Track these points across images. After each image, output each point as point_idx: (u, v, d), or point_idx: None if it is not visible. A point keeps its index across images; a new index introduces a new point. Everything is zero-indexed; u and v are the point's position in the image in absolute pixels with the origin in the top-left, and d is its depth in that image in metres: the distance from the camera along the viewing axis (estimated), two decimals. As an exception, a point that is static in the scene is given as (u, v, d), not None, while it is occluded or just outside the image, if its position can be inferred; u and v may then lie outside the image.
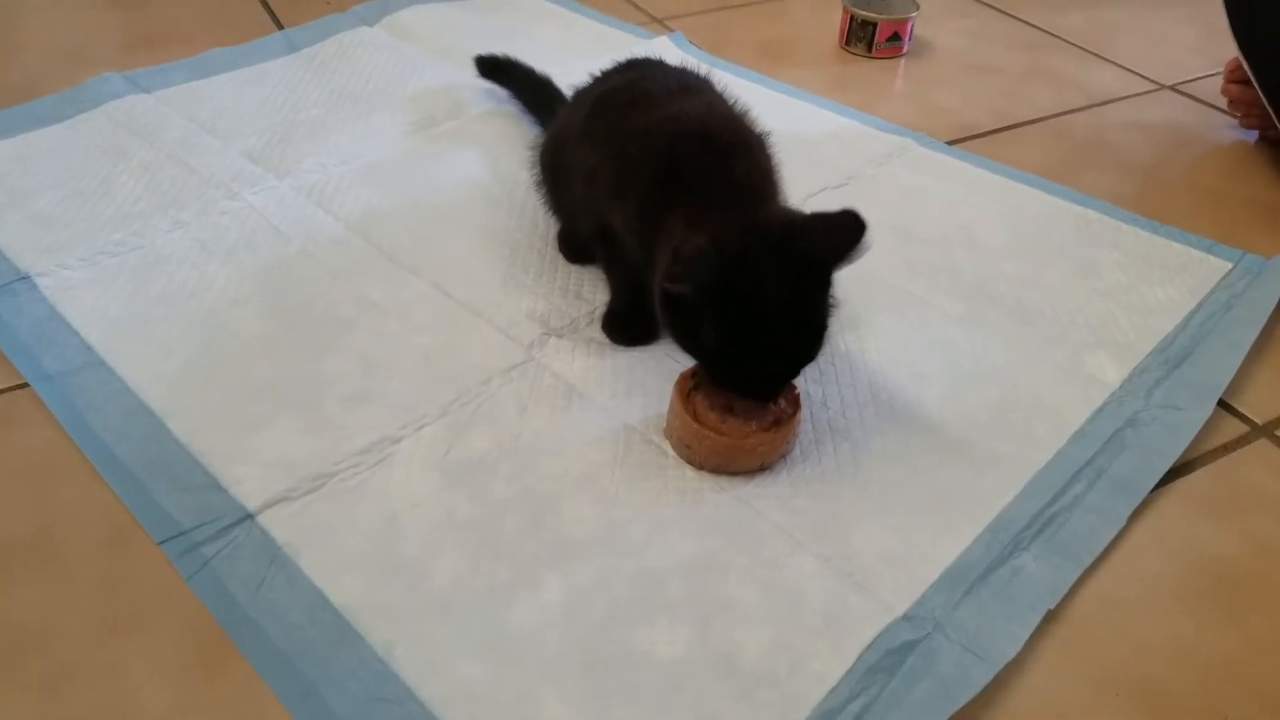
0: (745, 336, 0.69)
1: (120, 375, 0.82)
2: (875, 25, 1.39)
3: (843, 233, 0.70)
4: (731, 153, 0.78)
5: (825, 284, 0.71)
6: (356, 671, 0.61)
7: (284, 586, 0.66)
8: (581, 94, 0.95)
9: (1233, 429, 0.82)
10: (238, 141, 1.13)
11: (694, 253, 0.68)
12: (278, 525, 0.70)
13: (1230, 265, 0.98)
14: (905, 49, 1.42)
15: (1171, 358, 0.86)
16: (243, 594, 0.66)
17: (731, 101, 0.87)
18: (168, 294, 0.90)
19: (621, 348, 0.86)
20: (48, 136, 1.13)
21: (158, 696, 0.60)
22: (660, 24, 1.49)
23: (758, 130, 0.83)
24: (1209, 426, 0.79)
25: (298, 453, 0.75)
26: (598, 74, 0.95)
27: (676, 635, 0.63)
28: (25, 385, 0.81)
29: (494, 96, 1.23)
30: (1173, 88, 1.36)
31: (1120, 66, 1.41)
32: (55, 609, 0.65)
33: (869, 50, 1.41)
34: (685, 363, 0.77)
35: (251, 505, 0.71)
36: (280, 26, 1.40)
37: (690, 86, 0.86)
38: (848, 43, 1.43)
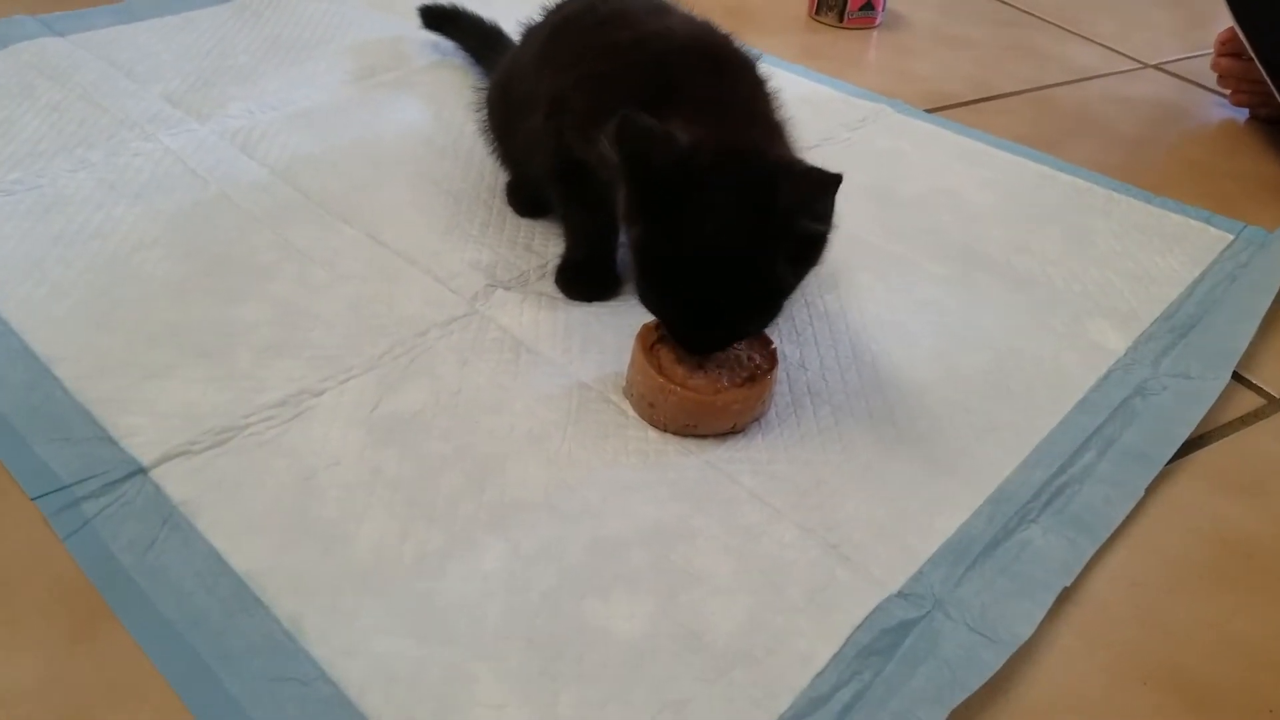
0: (673, 250, 0.62)
1: (3, 317, 0.72)
2: (848, -6, 1.33)
3: (812, 185, 0.61)
4: (731, 71, 0.71)
5: (777, 235, 0.62)
6: (258, 647, 0.52)
7: (177, 549, 0.56)
8: (535, 27, 0.86)
9: (1248, 401, 0.75)
10: (157, 85, 1.05)
11: (663, 132, 0.61)
12: (174, 481, 0.60)
13: (1231, 237, 0.92)
14: (878, 20, 1.36)
15: (1178, 325, 0.80)
16: (128, 557, 0.56)
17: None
18: (66, 234, 0.81)
19: (577, 303, 0.77)
20: (-55, 75, 1.03)
21: (23, 671, 0.51)
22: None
23: (750, 53, 0.76)
24: (1223, 399, 0.73)
25: (202, 404, 0.66)
26: (549, 6, 0.86)
27: (636, 609, 0.54)
28: (-107, 326, 0.71)
29: (440, 49, 1.15)
30: (1156, 66, 1.31)
31: (1100, 45, 1.37)
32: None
33: (840, 20, 1.35)
34: (647, 317, 0.68)
35: (145, 459, 0.61)
36: (211, -25, 1.30)
37: (667, 7, 0.78)
38: (818, 12, 1.37)
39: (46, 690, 0.50)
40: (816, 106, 1.10)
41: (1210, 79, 1.21)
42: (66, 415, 0.64)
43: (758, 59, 0.76)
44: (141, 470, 0.61)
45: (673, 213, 0.61)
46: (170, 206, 0.85)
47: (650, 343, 0.68)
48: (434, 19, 1.14)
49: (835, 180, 0.60)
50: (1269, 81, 1.06)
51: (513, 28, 1.03)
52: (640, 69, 0.69)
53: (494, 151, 0.90)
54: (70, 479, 0.60)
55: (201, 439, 0.63)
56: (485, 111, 0.90)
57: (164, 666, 0.51)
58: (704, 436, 0.66)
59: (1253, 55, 1.06)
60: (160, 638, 0.52)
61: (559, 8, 0.85)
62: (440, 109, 1.04)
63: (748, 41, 1.23)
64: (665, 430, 0.66)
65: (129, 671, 0.51)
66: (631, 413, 0.68)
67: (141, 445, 0.62)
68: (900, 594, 0.56)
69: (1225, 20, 1.10)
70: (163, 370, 0.68)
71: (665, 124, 0.62)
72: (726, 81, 0.70)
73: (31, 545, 0.57)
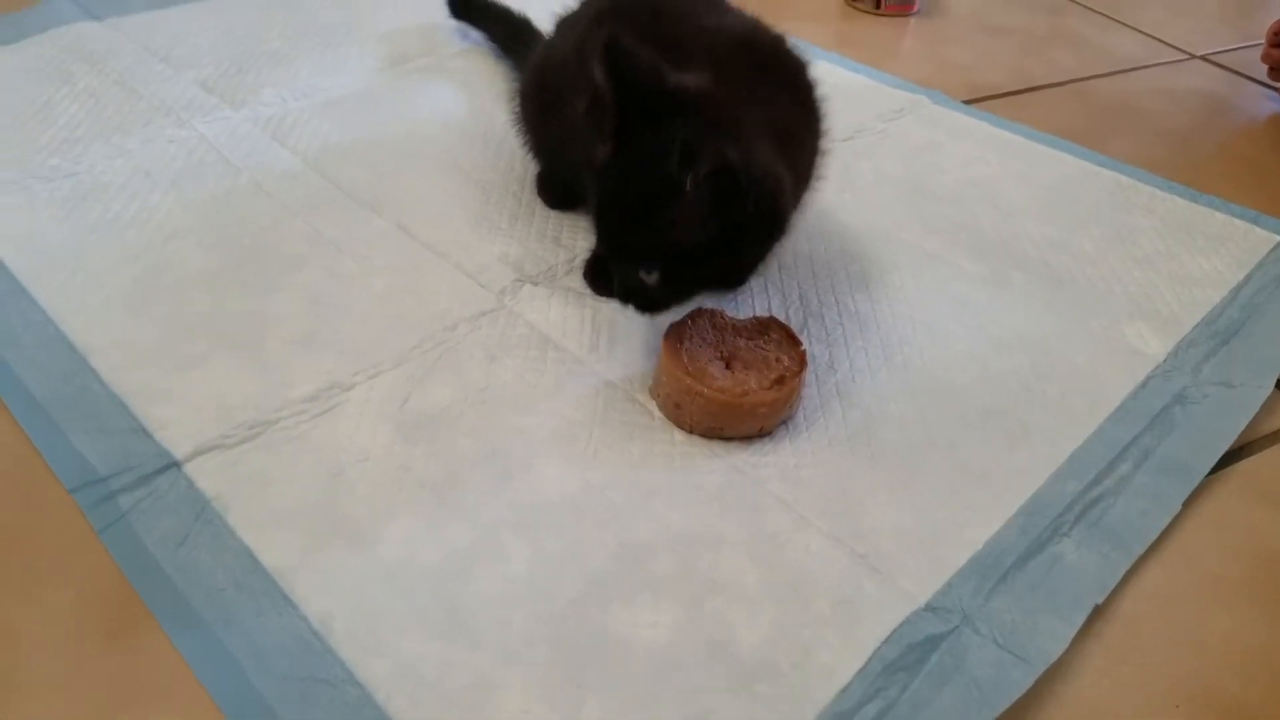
0: (615, 175, 0.63)
1: (41, 305, 0.73)
2: (885, -19, 1.31)
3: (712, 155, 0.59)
4: (776, 69, 0.70)
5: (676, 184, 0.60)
6: (287, 646, 0.52)
7: (209, 544, 0.57)
8: (573, 16, 0.85)
9: (1292, 411, 0.73)
10: (192, 70, 1.05)
11: (652, 59, 0.62)
12: (206, 475, 0.61)
13: (1278, 238, 0.90)
14: (916, 7, 1.34)
15: (1220, 331, 0.78)
16: (161, 551, 0.57)
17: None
18: (103, 223, 0.82)
19: (605, 299, 0.77)
20: (-13, 60, 1.04)
21: (53, 665, 0.52)
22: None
23: (802, 56, 0.74)
24: (1265, 408, 0.71)
25: (234, 396, 0.66)
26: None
27: (661, 616, 0.54)
28: (-63, 313, 0.72)
29: (472, 36, 1.15)
30: (1203, 57, 1.28)
31: (1145, 34, 1.34)
32: (-61, 561, 0.56)
33: (877, 6, 1.33)
34: (676, 315, 0.68)
35: (179, 452, 0.62)
36: (248, -43, 1.30)
37: (721, 3, 0.78)
38: (854, -2, 1.34)
39: (80, 683, 0.51)
40: (851, 97, 1.09)
41: (1260, 71, 1.18)
42: (102, 406, 0.65)
43: (808, 63, 0.74)
44: (175, 464, 0.61)
45: (629, 135, 0.62)
46: (204, 195, 0.86)
47: (678, 343, 0.67)
48: (462, 9, 1.14)
49: (730, 168, 0.58)
50: None
51: (542, 19, 1.03)
52: (687, 64, 0.69)
53: (526, 142, 0.89)
54: (106, 471, 0.61)
55: (234, 433, 0.63)
56: (518, 101, 0.89)
57: (195, 663, 0.52)
58: (730, 439, 0.66)
59: None
60: (192, 634, 0.53)
61: None
62: (472, 97, 1.03)
63: (782, 29, 1.22)
64: (691, 432, 0.66)
65: (161, 666, 0.52)
66: (658, 413, 0.67)
67: (175, 438, 0.63)
68: (928, 607, 0.56)
69: (1277, 9, 1.06)
70: (196, 361, 0.69)
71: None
72: (769, 78, 0.69)
73: (69, 537, 0.58)
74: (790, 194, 0.67)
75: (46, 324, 0.71)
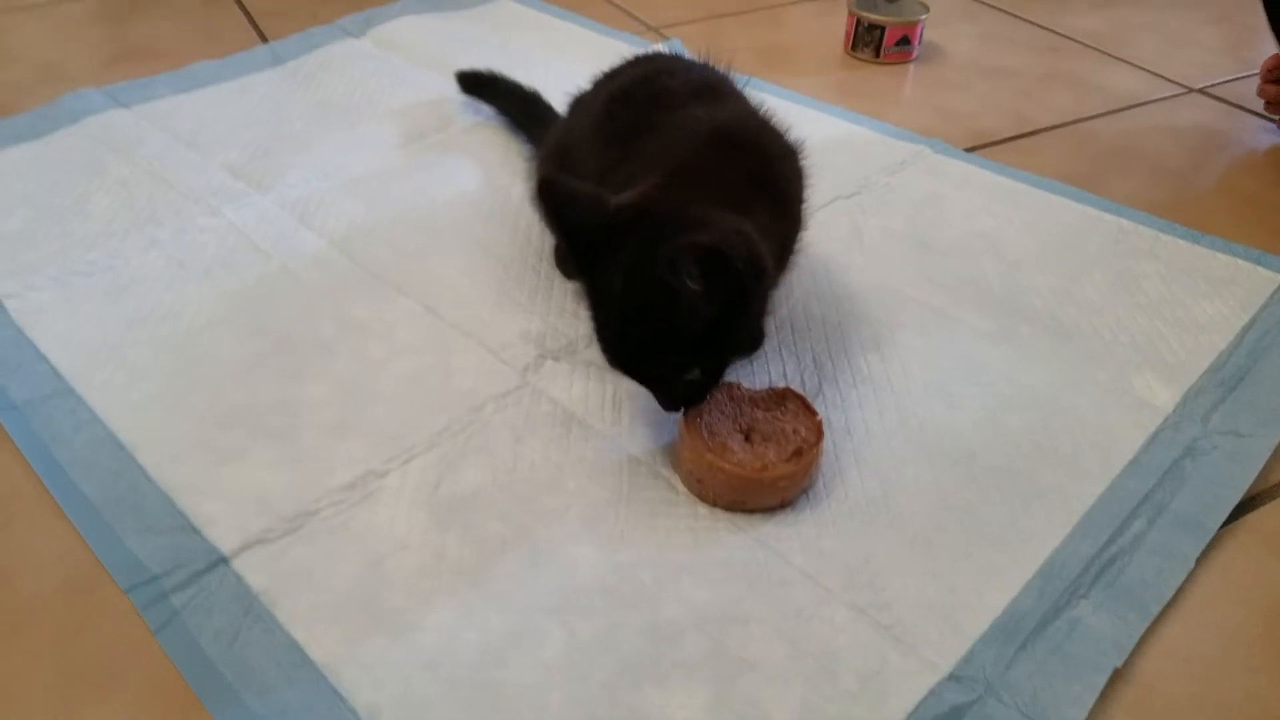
0: (594, 308, 0.66)
1: (89, 404, 0.76)
2: (883, 29, 1.33)
3: (681, 250, 0.60)
4: (753, 158, 0.72)
5: (659, 291, 0.62)
6: (338, 741, 0.54)
7: (260, 640, 0.60)
8: (588, 95, 0.89)
9: (1300, 459, 0.75)
10: (219, 155, 1.08)
11: (589, 195, 0.65)
12: (253, 571, 0.64)
13: (1282, 277, 0.91)
14: (915, 54, 1.36)
15: (1227, 378, 0.80)
16: (215, 649, 0.59)
17: (757, 106, 0.80)
18: (141, 316, 0.85)
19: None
20: (23, 153, 1.08)
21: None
22: (656, 32, 1.43)
23: (789, 140, 0.77)
24: (1275, 457, 0.73)
25: (274, 488, 0.69)
26: (603, 74, 0.89)
27: (693, 698, 0.56)
28: (-9, 415, 0.75)
29: (481, 110, 1.18)
30: (1201, 90, 1.29)
31: (1143, 69, 1.35)
32: (9, 665, 0.59)
33: (876, 55, 1.35)
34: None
35: (226, 548, 0.65)
36: (265, 39, 1.36)
37: (713, 85, 0.80)
38: (854, 48, 1.37)
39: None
40: (855, 150, 1.11)
41: (1259, 103, 1.19)
42: (150, 503, 0.68)
43: (798, 148, 0.77)
44: (223, 560, 0.64)
45: (597, 268, 0.65)
46: (236, 283, 0.89)
47: (696, 418, 0.70)
48: (472, 85, 1.17)
49: (706, 249, 0.60)
50: None
51: (551, 96, 1.06)
52: (667, 153, 0.72)
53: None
54: (159, 569, 0.63)
55: (277, 526, 0.66)
56: (537, 180, 0.92)
57: (252, 762, 0.54)
58: (753, 511, 0.68)
59: None
60: (250, 734, 0.55)
61: (615, 73, 0.87)
62: (486, 171, 1.06)
63: (785, 83, 1.25)
64: (714, 505, 0.68)
65: (220, 765, 0.54)
66: (681, 488, 0.70)
67: (221, 534, 0.66)
68: (952, 676, 0.58)
69: (1271, 41, 1.08)
70: (236, 454, 0.72)
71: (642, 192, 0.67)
72: (744, 165, 0.71)
73: (126, 637, 0.61)
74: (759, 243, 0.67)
75: (94, 422, 0.74)
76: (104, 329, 0.83)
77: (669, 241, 0.60)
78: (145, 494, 0.69)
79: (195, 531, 0.66)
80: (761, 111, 0.79)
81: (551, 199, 0.65)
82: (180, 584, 0.63)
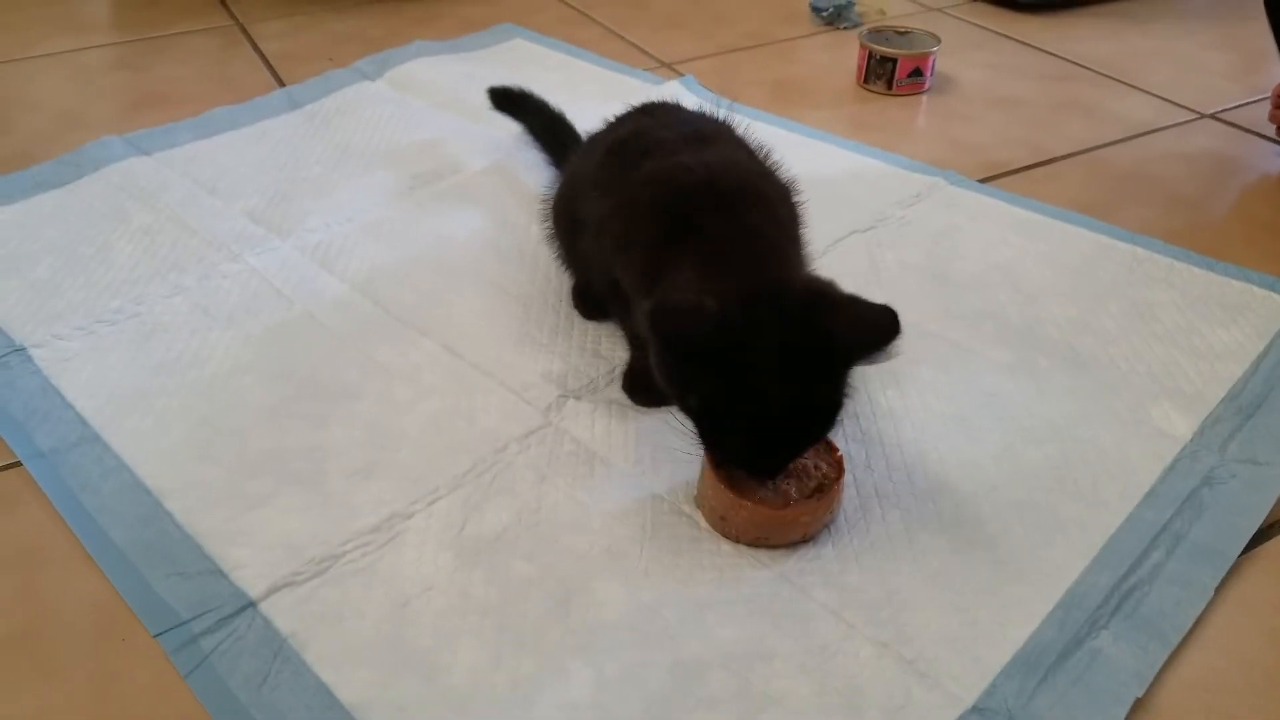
0: (733, 411, 0.63)
1: (116, 451, 0.77)
2: (895, 61, 1.35)
3: (872, 331, 0.63)
4: (744, 205, 0.72)
5: (836, 374, 0.64)
6: (368, 785, 0.55)
7: (289, 683, 0.61)
8: (594, 140, 0.90)
9: (1320, 485, 0.75)
10: (239, 201, 1.10)
11: (691, 305, 0.63)
12: (282, 614, 0.64)
13: (1296, 302, 0.92)
14: (927, 85, 1.38)
15: (1244, 406, 0.80)
16: (245, 693, 0.60)
17: (754, 148, 0.81)
18: (166, 363, 0.86)
19: (645, 409, 0.81)
20: (47, 202, 1.10)
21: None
22: (670, 69, 1.45)
23: (781, 181, 0.78)
24: (1292, 483, 0.73)
25: (301, 532, 0.70)
26: (611, 119, 0.90)
27: (720, 736, 0.57)
28: (17, 464, 0.76)
29: (500, 148, 1.19)
30: (1213, 116, 1.30)
31: (1155, 95, 1.36)
32: (43, 710, 0.60)
33: (889, 87, 1.37)
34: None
35: (254, 592, 0.66)
36: (282, 84, 1.38)
37: (706, 134, 0.81)
38: (866, 80, 1.39)
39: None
40: (870, 184, 1.12)
41: (1270, 128, 1.20)
42: (179, 549, 0.69)
43: (790, 188, 0.77)
44: (251, 604, 0.65)
45: (725, 376, 0.63)
46: (259, 328, 0.90)
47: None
48: (502, 100, 1.19)
49: (895, 329, 0.62)
50: None
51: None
52: (657, 206, 0.72)
53: (559, 256, 0.94)
54: (188, 614, 0.64)
55: (304, 569, 0.67)
56: (551, 218, 0.93)
57: (283, 805, 0.55)
58: (775, 547, 0.68)
59: None
60: (280, 778, 0.56)
61: (618, 122, 0.88)
62: (502, 212, 1.08)
63: (799, 117, 1.27)
64: (738, 542, 0.69)
65: (251, 810, 0.55)
66: (704, 524, 0.70)
67: (249, 578, 0.66)
68: (975, 709, 0.58)
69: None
70: (263, 500, 0.73)
71: (682, 272, 0.66)
72: (739, 217, 0.71)
73: (157, 681, 0.61)
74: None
75: (122, 469, 0.75)
76: (130, 376, 0.84)
77: (848, 334, 0.63)
78: (174, 540, 0.70)
79: (224, 576, 0.67)
80: (761, 153, 0.80)
81: (659, 320, 0.62)
82: (210, 628, 0.63)
